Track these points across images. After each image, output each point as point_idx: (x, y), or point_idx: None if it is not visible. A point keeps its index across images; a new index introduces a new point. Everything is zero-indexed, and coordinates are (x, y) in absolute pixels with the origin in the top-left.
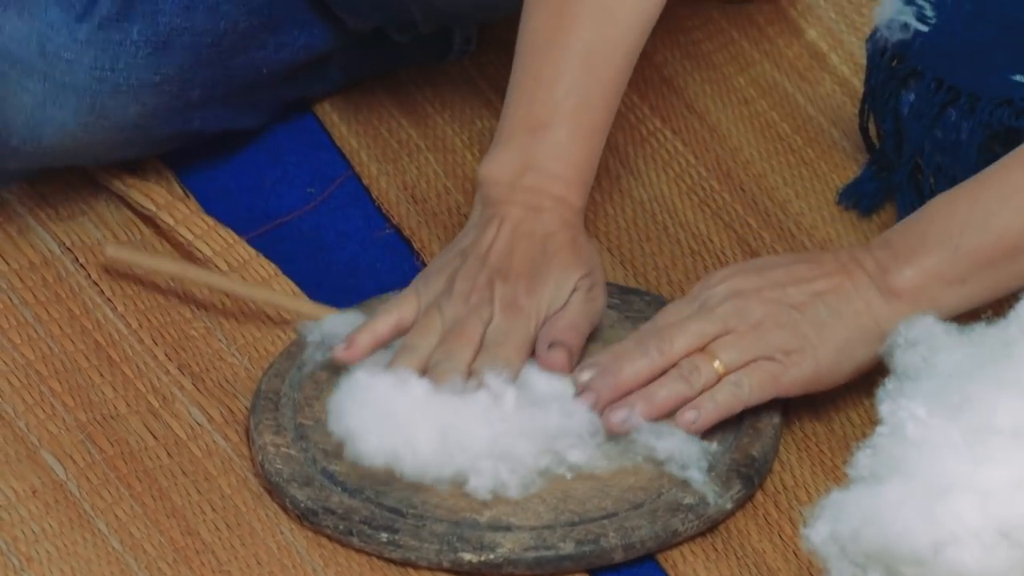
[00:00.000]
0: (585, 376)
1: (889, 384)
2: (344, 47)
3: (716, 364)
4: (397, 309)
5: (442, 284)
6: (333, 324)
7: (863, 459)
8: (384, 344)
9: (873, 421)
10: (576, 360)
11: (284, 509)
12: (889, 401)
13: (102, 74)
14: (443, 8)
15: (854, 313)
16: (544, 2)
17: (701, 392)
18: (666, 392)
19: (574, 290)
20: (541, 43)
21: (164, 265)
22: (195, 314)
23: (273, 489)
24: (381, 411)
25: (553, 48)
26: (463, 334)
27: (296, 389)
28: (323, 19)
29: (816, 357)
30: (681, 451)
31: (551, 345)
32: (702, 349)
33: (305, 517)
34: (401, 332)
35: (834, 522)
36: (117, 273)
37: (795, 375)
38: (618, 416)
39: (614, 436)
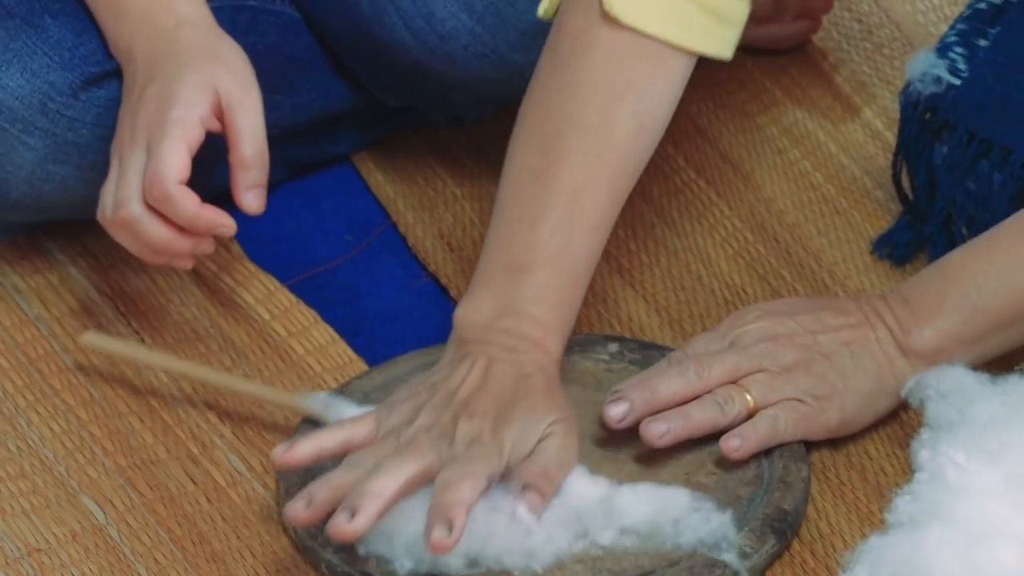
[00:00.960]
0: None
1: (925, 433)
2: (357, 111)
3: (748, 398)
4: (351, 427)
5: (405, 414)
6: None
7: (902, 505)
8: (326, 457)
9: (906, 470)
10: (547, 504)
11: (319, 572)
12: (927, 448)
13: (105, 132)
14: (482, 94)
15: (876, 366)
16: (531, 140)
17: (732, 421)
18: (702, 415)
19: (545, 436)
20: (526, 182)
21: (139, 354)
22: (235, 362)
23: (306, 552)
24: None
25: (538, 188)
26: (416, 448)
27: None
28: (341, 82)
29: (842, 405)
30: (706, 535)
31: (524, 487)
32: (734, 382)
33: None
34: (348, 450)
35: (873, 567)
36: (157, 322)
37: (824, 420)
38: (658, 428)
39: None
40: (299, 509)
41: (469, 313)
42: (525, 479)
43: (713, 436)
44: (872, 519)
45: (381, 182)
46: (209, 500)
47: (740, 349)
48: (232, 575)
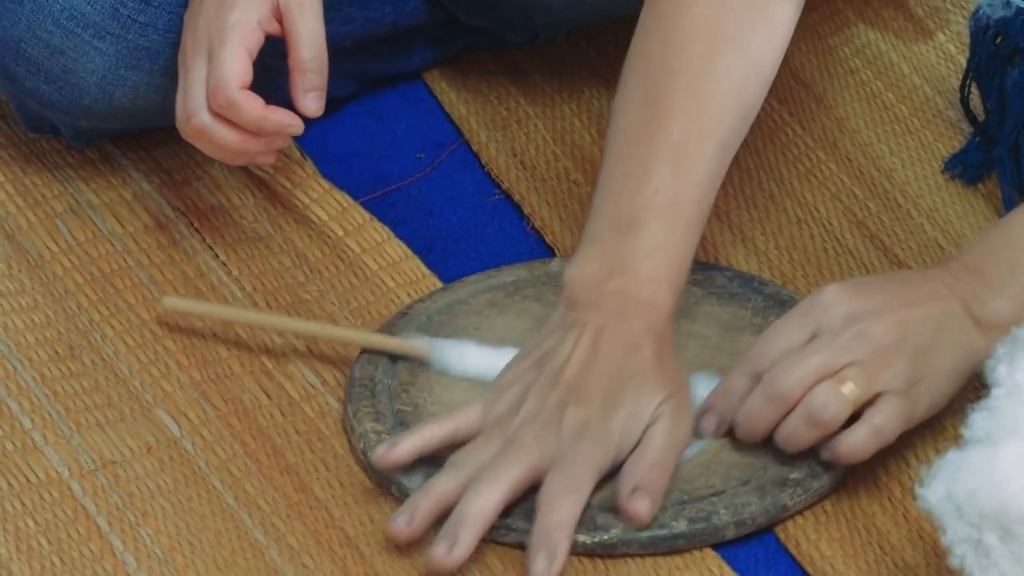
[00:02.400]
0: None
1: (1001, 349)
2: (431, 26)
3: (846, 392)
4: (457, 420)
5: (513, 399)
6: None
7: (979, 420)
8: (431, 453)
9: (977, 387)
10: (660, 502)
11: (389, 495)
12: (1004, 364)
13: (176, 38)
14: (566, 16)
15: (955, 342)
16: (634, 95)
17: (832, 427)
18: (801, 442)
19: (655, 418)
20: (631, 137)
21: (221, 311)
22: (308, 278)
23: (377, 476)
24: None
25: (642, 143)
26: (520, 449)
27: (391, 376)
28: None
29: (931, 390)
30: None
31: (633, 490)
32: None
33: None
34: (456, 445)
35: (950, 482)
36: (231, 238)
37: (921, 409)
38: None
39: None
40: (401, 526)
41: (578, 273)
42: (635, 480)
43: None
44: (944, 435)
45: (453, 100)
46: (283, 414)
47: (827, 343)
48: (306, 488)
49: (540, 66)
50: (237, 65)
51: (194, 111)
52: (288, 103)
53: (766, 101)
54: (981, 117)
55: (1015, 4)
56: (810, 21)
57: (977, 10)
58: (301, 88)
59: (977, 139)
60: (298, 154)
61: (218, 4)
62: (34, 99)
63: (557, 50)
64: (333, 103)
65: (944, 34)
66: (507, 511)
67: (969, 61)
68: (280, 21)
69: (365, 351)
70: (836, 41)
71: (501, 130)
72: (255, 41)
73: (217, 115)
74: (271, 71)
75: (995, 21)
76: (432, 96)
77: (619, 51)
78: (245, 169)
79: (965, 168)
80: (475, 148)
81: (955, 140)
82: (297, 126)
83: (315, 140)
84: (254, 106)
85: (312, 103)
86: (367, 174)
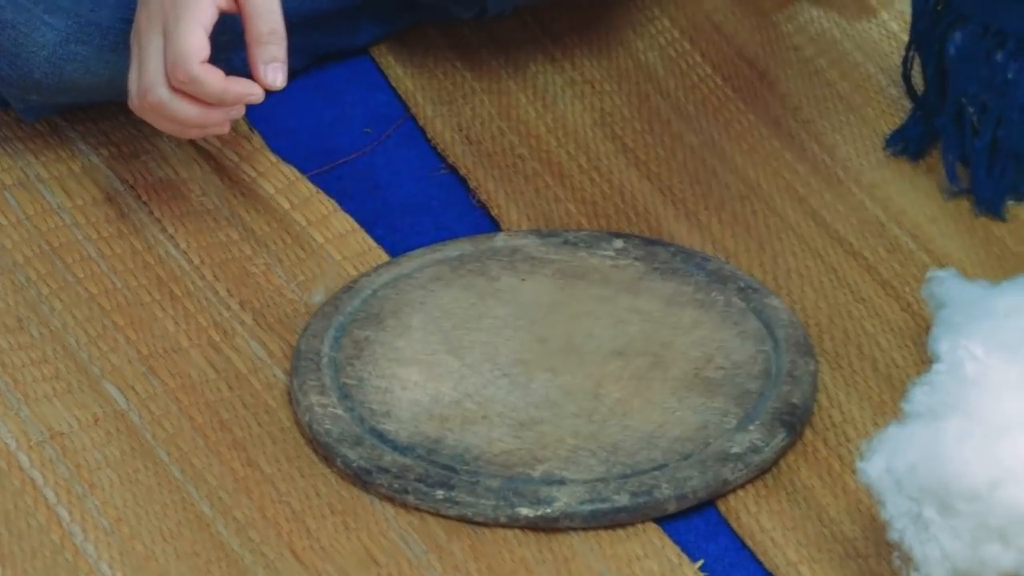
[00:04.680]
0: None
1: (940, 324)
2: (379, 1)
3: None
4: None
5: None
6: None
7: (920, 395)
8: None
9: (918, 362)
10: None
11: (335, 468)
12: (946, 340)
13: (127, 13)
14: None
15: None
16: None
17: None
18: None
19: None
20: None
21: None
22: (255, 251)
23: (323, 449)
24: None
25: None
26: None
27: (336, 349)
28: None
29: None
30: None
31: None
32: None
33: (359, 476)
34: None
35: (891, 456)
36: (179, 211)
37: None
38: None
39: None
40: None
41: None
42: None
43: (724, 328)
44: (884, 409)
45: (400, 75)
46: (230, 387)
47: None
48: (253, 462)
49: (486, 41)
50: (195, 40)
51: (150, 86)
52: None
53: (710, 78)
54: (923, 91)
55: None
56: None
57: None
58: (261, 60)
59: (918, 113)
60: (246, 128)
61: None
62: None
63: (504, 26)
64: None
65: (887, 12)
66: (450, 486)
67: (911, 29)
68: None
69: (309, 328)
70: (780, 18)
71: (447, 105)
72: (210, 17)
73: (176, 90)
74: (219, 48)
75: None
76: (379, 71)
77: (564, 28)
78: (193, 142)
79: (907, 143)
80: (421, 122)
81: (897, 117)
82: (258, 95)
83: (263, 114)
84: (215, 79)
85: (272, 74)
86: (314, 148)
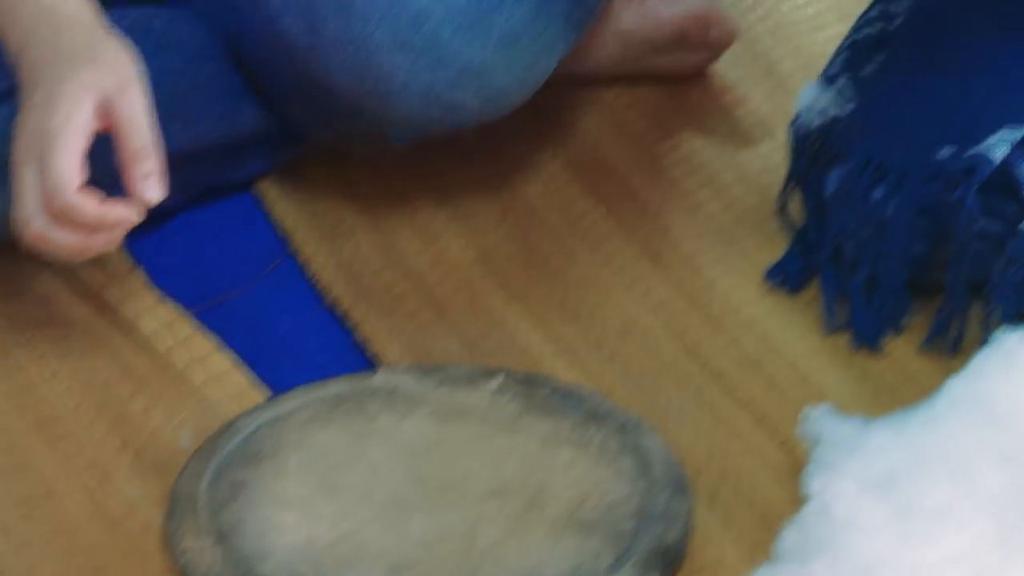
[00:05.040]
0: None
1: (815, 462)
2: (262, 136)
3: None
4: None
5: None
6: None
7: (791, 536)
8: None
9: (794, 499)
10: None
11: None
12: (817, 479)
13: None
14: (418, 126)
15: None
16: None
17: None
18: None
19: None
20: None
21: None
22: (135, 390)
23: None
24: None
25: None
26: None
27: (213, 491)
28: (244, 109)
29: None
30: None
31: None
32: None
33: None
34: None
35: None
36: (61, 350)
37: None
38: None
39: None
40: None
41: None
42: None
43: (600, 467)
44: (759, 549)
45: (283, 211)
46: (108, 531)
47: None
48: None
49: (368, 177)
50: (69, 168)
51: (29, 218)
52: None
53: (591, 211)
54: (801, 224)
55: (832, 112)
56: (637, 129)
57: (796, 118)
58: (137, 176)
59: (797, 247)
60: (129, 264)
61: (42, 108)
62: None
63: (387, 161)
64: (163, 214)
65: (769, 143)
66: None
67: (790, 167)
68: (107, 116)
69: (187, 469)
70: (662, 149)
71: (329, 241)
72: (84, 141)
73: (56, 218)
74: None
75: (814, 128)
76: (261, 206)
77: (447, 162)
78: (76, 278)
79: (786, 277)
80: (303, 259)
81: (777, 250)
82: (136, 214)
83: (146, 250)
84: (91, 206)
85: (149, 188)
86: (197, 285)
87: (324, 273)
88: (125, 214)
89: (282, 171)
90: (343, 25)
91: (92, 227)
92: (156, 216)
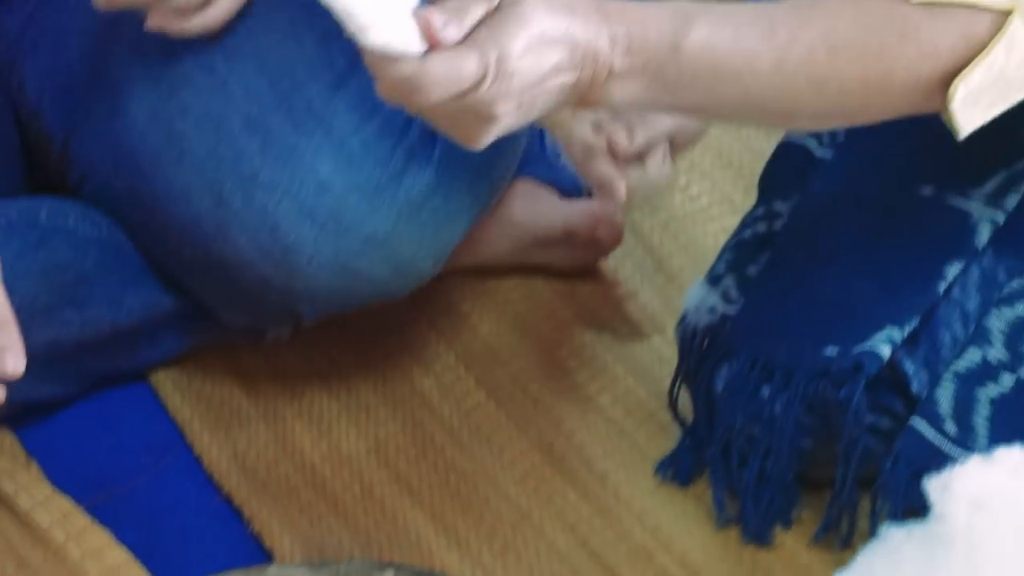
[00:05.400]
0: None
1: None
2: (155, 326)
3: None
4: None
5: None
6: None
7: None
8: None
9: None
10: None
11: None
12: None
13: None
14: (331, 303)
15: None
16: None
17: None
18: None
19: None
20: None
21: None
22: None
23: None
24: None
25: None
26: None
27: None
28: (134, 296)
29: None
30: None
31: None
32: None
33: None
34: None
35: None
36: None
37: None
38: None
39: None
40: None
41: None
42: None
43: None
44: None
45: (178, 402)
46: None
47: None
48: None
49: (264, 367)
50: None
51: None
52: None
53: (484, 403)
54: (691, 418)
55: (720, 309)
56: (530, 321)
57: (684, 317)
58: None
59: (688, 441)
60: (23, 457)
61: None
62: None
63: (282, 351)
64: (57, 404)
65: (660, 337)
66: None
67: (678, 365)
68: None
69: None
70: (553, 342)
71: (224, 431)
72: None
73: None
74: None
75: (702, 327)
76: (156, 397)
77: (341, 353)
78: None
79: (676, 470)
80: (198, 450)
81: (668, 442)
82: None
83: (40, 442)
84: None
85: (10, 362)
86: (91, 476)
87: (219, 465)
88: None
89: (177, 361)
90: (248, 197)
91: None
92: (50, 406)
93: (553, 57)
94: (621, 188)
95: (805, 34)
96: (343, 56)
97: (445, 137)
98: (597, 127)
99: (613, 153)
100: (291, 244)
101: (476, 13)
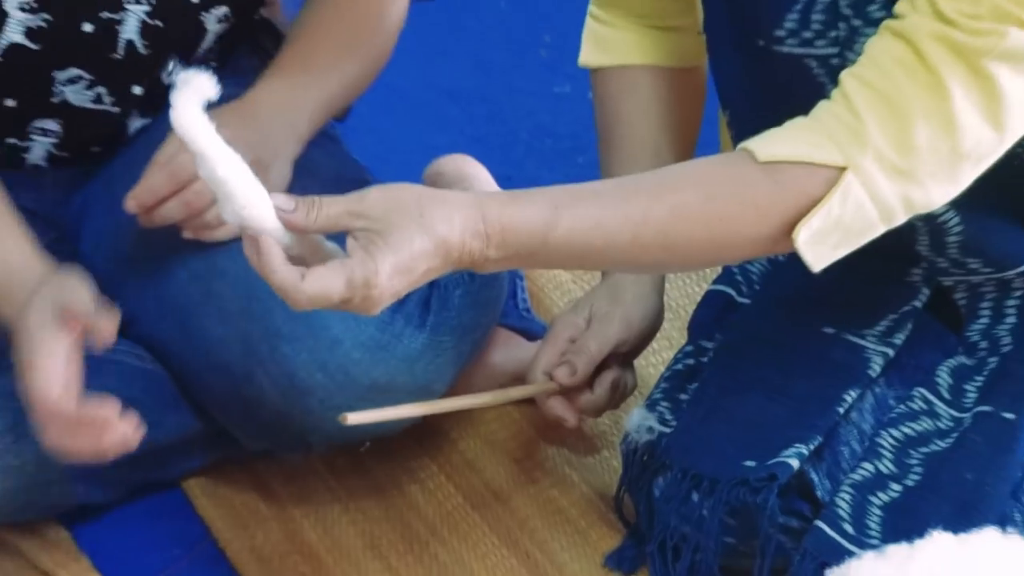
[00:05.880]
0: None
1: None
2: (187, 443)
3: None
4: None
5: None
6: None
7: None
8: None
9: None
10: None
11: None
12: None
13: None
14: (337, 436)
15: None
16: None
17: None
18: None
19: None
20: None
21: (391, 413)
22: None
23: None
24: None
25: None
26: None
27: None
28: (171, 420)
29: None
30: None
31: None
32: None
33: None
34: None
35: None
36: None
37: None
38: None
39: None
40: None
41: None
42: None
43: None
44: None
45: (205, 504)
46: None
47: None
48: None
49: (278, 475)
50: (42, 384)
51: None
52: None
53: (462, 507)
54: (634, 519)
55: (657, 429)
56: (501, 438)
57: (626, 435)
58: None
59: (631, 538)
60: (75, 552)
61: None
62: None
63: (295, 465)
64: (104, 507)
65: (609, 451)
66: None
67: (622, 475)
68: (70, 316)
69: None
70: (521, 455)
71: (243, 529)
72: (55, 359)
73: (48, 423)
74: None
75: (642, 444)
76: (187, 500)
77: (345, 465)
78: (28, 563)
79: (621, 561)
80: (221, 544)
81: (615, 538)
82: (113, 418)
83: (90, 538)
84: (68, 407)
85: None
86: (132, 567)
87: (239, 556)
88: (102, 412)
89: (204, 471)
90: (272, 348)
91: (79, 424)
92: (98, 509)
93: (424, 265)
94: (571, 422)
95: (657, 210)
96: None
97: (437, 308)
98: (547, 372)
99: (563, 390)
100: (306, 389)
101: (333, 209)
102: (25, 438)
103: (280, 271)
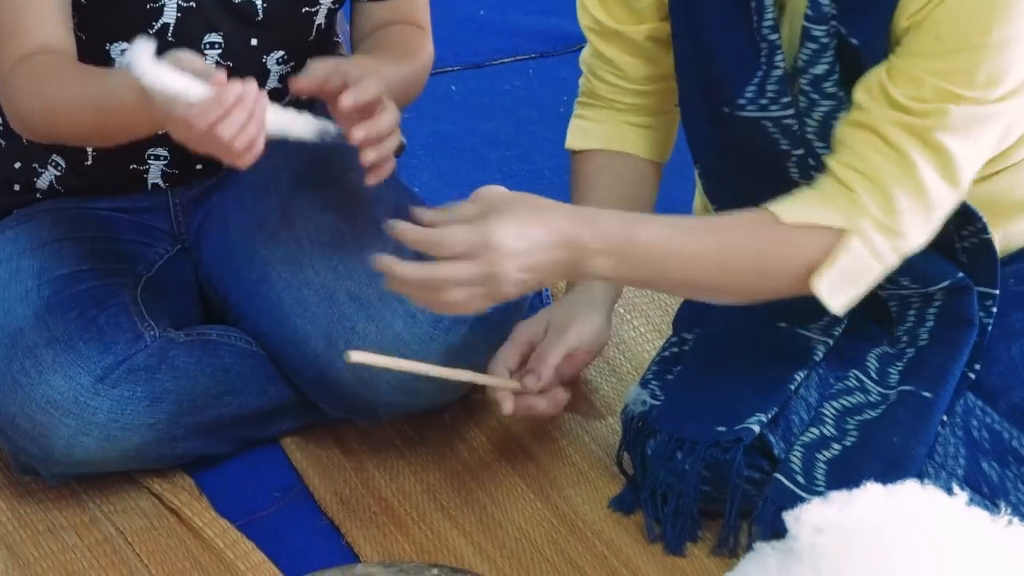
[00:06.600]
0: None
1: None
2: (286, 409)
3: None
4: None
5: None
6: None
7: None
8: None
9: None
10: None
11: None
12: None
13: (115, 416)
14: (402, 409)
15: None
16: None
17: None
18: None
19: None
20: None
21: (396, 363)
22: (201, 574)
23: None
24: None
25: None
26: None
27: None
28: (274, 390)
29: None
30: None
31: None
32: None
33: None
34: None
35: None
36: (151, 548)
37: None
38: None
39: None
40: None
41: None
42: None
43: None
44: None
45: (299, 458)
46: None
47: None
48: None
49: (356, 436)
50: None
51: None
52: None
53: (498, 461)
54: (632, 472)
55: (649, 402)
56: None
57: (625, 407)
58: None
59: (629, 486)
60: (197, 492)
61: None
62: (23, 452)
63: (370, 429)
64: (220, 457)
65: (612, 418)
66: None
67: (622, 438)
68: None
69: None
70: (544, 421)
71: (328, 477)
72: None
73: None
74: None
75: (637, 414)
76: (284, 454)
77: (414, 431)
78: (161, 502)
79: (622, 505)
80: (311, 490)
81: (617, 486)
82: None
83: (208, 482)
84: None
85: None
86: (241, 506)
87: (324, 499)
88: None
89: (298, 431)
90: (348, 343)
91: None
92: (215, 459)
93: (541, 238)
94: (508, 411)
95: (716, 239)
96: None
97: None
98: (507, 367)
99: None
100: (376, 373)
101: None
102: (159, 403)
103: (412, 229)
